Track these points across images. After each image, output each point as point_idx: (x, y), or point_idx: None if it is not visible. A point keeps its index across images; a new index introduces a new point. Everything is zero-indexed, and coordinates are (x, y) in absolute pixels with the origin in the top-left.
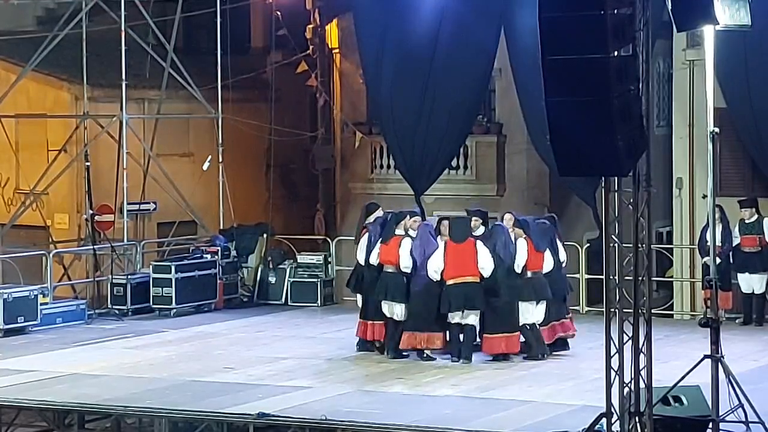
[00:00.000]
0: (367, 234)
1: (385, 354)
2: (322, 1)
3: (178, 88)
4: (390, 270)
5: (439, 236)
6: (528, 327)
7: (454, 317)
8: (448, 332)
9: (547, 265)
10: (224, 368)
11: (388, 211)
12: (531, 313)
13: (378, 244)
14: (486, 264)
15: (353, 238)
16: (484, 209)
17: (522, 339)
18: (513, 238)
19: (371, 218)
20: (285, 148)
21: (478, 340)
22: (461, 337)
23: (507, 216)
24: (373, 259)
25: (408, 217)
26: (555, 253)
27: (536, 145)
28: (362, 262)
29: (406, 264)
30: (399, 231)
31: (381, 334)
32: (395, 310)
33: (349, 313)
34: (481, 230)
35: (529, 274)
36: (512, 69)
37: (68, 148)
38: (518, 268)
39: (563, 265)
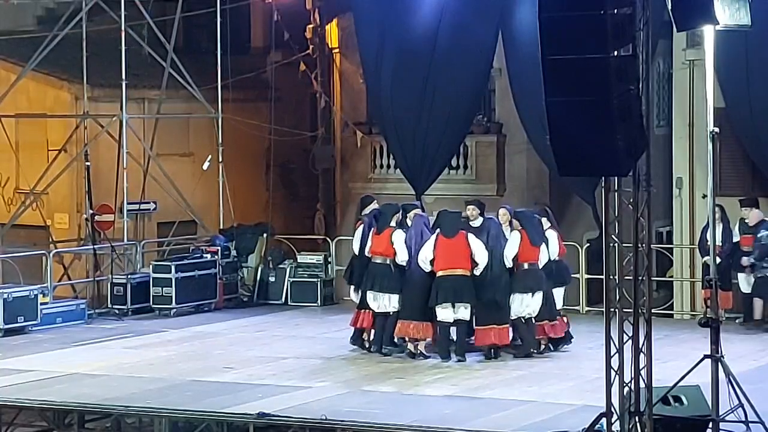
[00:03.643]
0: (361, 226)
1: (371, 349)
2: (322, 1)
3: (178, 88)
4: (378, 261)
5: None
6: (523, 320)
7: (443, 312)
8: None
9: (543, 258)
10: (224, 368)
11: (386, 203)
12: (526, 304)
13: (371, 235)
14: (481, 257)
15: (353, 237)
16: (481, 200)
17: (513, 334)
18: (508, 232)
19: (366, 210)
20: (285, 148)
21: (471, 338)
22: (452, 335)
23: (501, 211)
24: (367, 251)
25: (400, 211)
26: (547, 245)
27: (535, 144)
28: (356, 252)
29: (402, 257)
30: (393, 223)
31: (371, 322)
32: (381, 301)
33: (349, 313)
34: (479, 221)
35: (525, 265)
36: (508, 69)
37: (68, 148)
38: (507, 260)
39: (557, 257)
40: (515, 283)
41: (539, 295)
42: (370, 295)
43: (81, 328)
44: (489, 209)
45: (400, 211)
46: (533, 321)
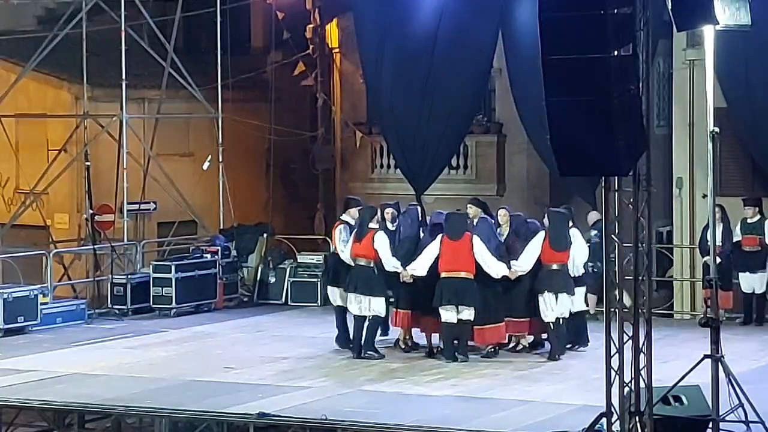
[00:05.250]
0: (342, 226)
1: (353, 355)
2: (322, 1)
3: (178, 88)
4: (362, 263)
5: None
6: (551, 325)
7: (446, 314)
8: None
9: (578, 260)
10: (224, 368)
11: (365, 206)
12: (552, 306)
13: (351, 240)
14: (485, 260)
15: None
16: (481, 199)
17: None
18: (501, 232)
19: (346, 216)
20: (285, 148)
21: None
22: (456, 337)
23: (501, 212)
24: (347, 255)
25: (378, 211)
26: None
27: (535, 144)
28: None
29: (389, 263)
30: (373, 225)
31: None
32: (363, 304)
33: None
34: (476, 220)
35: (554, 266)
36: (508, 69)
37: (68, 148)
38: (527, 258)
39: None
40: (540, 284)
41: (564, 297)
42: (351, 297)
43: (81, 328)
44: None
45: (379, 213)
46: (560, 323)
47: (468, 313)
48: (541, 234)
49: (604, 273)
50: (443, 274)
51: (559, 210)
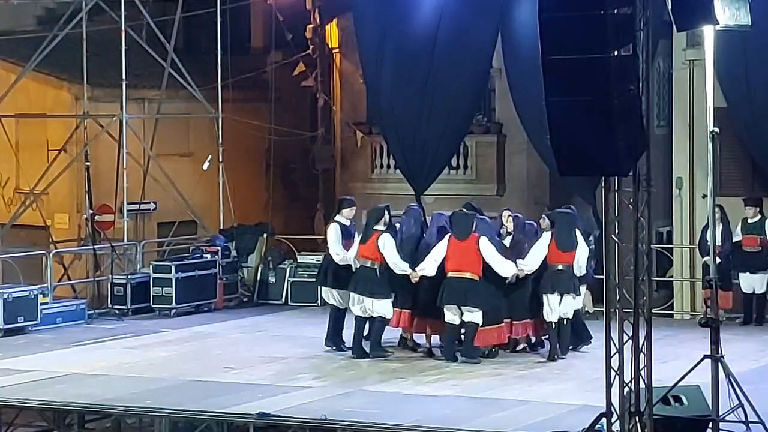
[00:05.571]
0: (334, 226)
1: (352, 354)
2: (322, 1)
3: (178, 88)
4: (367, 264)
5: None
6: (554, 325)
7: (448, 314)
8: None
9: (582, 259)
10: (224, 368)
11: (372, 208)
12: (554, 307)
13: (356, 242)
14: (496, 262)
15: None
16: (474, 203)
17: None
18: (504, 233)
19: (342, 215)
20: (285, 148)
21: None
22: (457, 337)
23: (505, 213)
24: (352, 255)
25: (386, 213)
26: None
27: (535, 144)
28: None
29: (399, 266)
30: (379, 226)
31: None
32: (364, 305)
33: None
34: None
35: (559, 266)
36: (507, 69)
37: (68, 148)
38: (532, 260)
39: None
40: (545, 284)
41: (569, 298)
42: (354, 297)
43: (81, 328)
44: (490, 209)
45: (386, 214)
46: (564, 323)
47: (473, 315)
48: (548, 234)
49: (604, 273)
50: (450, 274)
51: (565, 210)
